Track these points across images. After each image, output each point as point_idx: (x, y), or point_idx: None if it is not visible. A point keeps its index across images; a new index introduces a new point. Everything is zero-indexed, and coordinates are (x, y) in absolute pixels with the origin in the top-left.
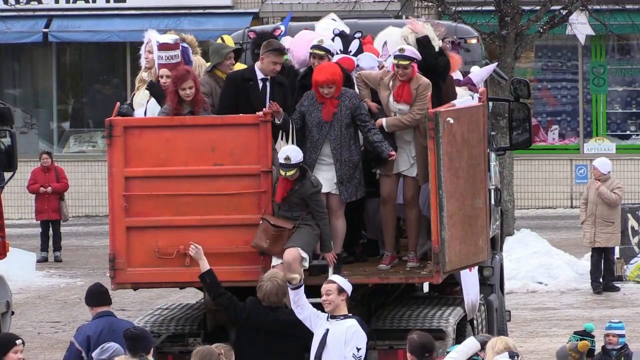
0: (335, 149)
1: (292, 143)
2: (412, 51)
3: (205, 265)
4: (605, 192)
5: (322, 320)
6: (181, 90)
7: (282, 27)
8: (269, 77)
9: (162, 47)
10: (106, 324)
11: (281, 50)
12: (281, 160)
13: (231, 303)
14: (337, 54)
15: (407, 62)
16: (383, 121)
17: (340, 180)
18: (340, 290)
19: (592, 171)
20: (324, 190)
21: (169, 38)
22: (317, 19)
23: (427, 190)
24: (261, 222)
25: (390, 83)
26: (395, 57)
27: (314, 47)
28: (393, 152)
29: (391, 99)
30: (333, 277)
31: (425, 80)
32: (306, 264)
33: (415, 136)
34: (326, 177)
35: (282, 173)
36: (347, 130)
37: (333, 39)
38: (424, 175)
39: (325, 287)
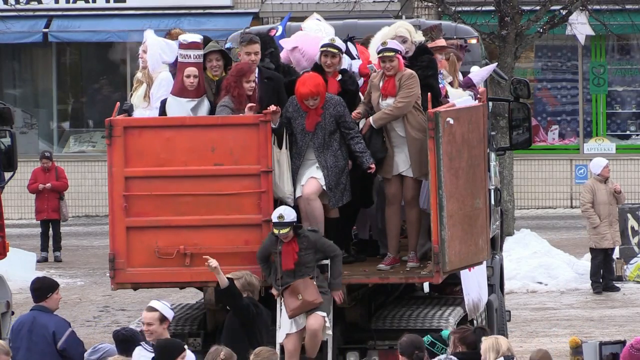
0: (320, 156)
1: (286, 149)
2: (395, 43)
3: (224, 279)
4: (622, 196)
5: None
6: (246, 83)
7: (280, 28)
8: (256, 75)
9: (192, 45)
10: (29, 319)
11: (251, 40)
12: (274, 219)
13: (252, 306)
14: (356, 58)
15: (392, 54)
16: (370, 119)
17: (328, 187)
18: (163, 319)
19: (598, 172)
20: (304, 180)
21: (197, 37)
22: None
23: (427, 187)
24: (280, 296)
25: (380, 83)
26: (380, 51)
27: (327, 45)
28: (373, 166)
29: (382, 100)
30: (154, 303)
31: (408, 71)
32: (329, 332)
33: (406, 130)
34: (309, 172)
35: (276, 231)
36: (332, 137)
37: (346, 43)
38: (418, 168)
39: (147, 317)
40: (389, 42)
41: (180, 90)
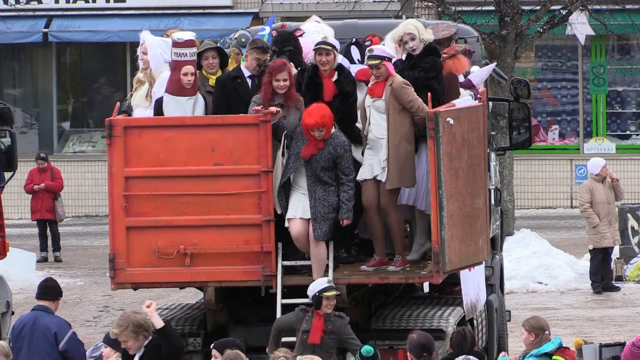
0: (310, 185)
1: (282, 155)
2: (382, 50)
3: (159, 320)
4: (620, 185)
5: None
6: (275, 82)
7: (267, 28)
8: (256, 74)
9: (188, 44)
10: (30, 319)
11: (264, 48)
12: (324, 284)
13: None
14: (357, 62)
15: (377, 62)
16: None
17: (314, 217)
18: None
19: (596, 172)
20: (302, 215)
21: (191, 35)
22: None
23: (424, 188)
24: None
25: (369, 84)
26: (367, 58)
27: (320, 43)
28: (347, 221)
29: (367, 97)
30: None
31: (399, 78)
32: None
33: (389, 137)
34: (300, 205)
35: (329, 293)
36: (325, 173)
37: (349, 48)
38: (398, 178)
39: None
40: (375, 49)
41: (178, 89)
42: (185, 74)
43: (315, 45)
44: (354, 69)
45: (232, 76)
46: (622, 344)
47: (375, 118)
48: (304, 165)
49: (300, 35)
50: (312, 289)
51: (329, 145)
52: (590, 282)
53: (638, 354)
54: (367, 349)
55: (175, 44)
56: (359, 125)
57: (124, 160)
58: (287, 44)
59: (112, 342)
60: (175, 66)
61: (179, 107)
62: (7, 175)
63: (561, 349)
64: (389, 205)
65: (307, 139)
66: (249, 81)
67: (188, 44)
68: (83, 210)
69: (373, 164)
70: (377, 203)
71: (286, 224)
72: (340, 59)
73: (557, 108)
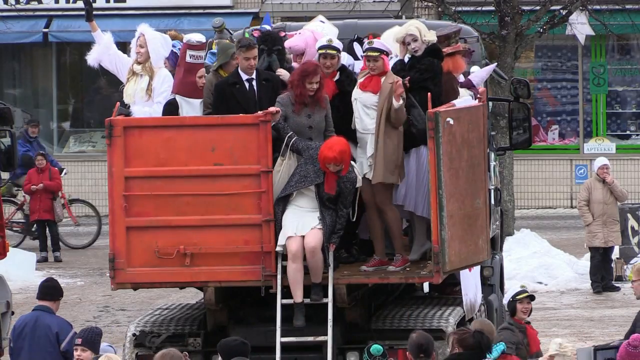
0: (322, 211)
1: (285, 158)
2: (382, 44)
3: None
4: (618, 185)
5: None
6: (308, 84)
7: (268, 27)
8: (254, 77)
9: (203, 46)
10: (32, 319)
11: (249, 45)
12: (518, 289)
13: None
14: (360, 59)
15: (376, 54)
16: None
17: (324, 245)
18: None
19: (596, 171)
20: (302, 232)
21: (203, 37)
22: None
23: (423, 189)
24: None
25: (362, 79)
26: (365, 50)
27: (324, 47)
28: (333, 245)
29: (357, 89)
30: None
31: (398, 79)
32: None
33: (378, 131)
34: (301, 223)
35: (520, 297)
36: (330, 201)
37: (352, 45)
38: (381, 174)
39: None
40: (375, 42)
41: (192, 91)
42: (200, 77)
43: (320, 47)
44: (357, 66)
45: (230, 82)
46: (617, 347)
47: (360, 112)
48: (310, 189)
49: (284, 37)
50: (506, 297)
51: (339, 180)
52: (590, 282)
53: (634, 353)
54: (376, 348)
55: (192, 47)
56: None
57: (124, 160)
58: (276, 43)
59: (90, 344)
60: (191, 68)
61: (192, 109)
62: (7, 175)
63: (503, 356)
64: (384, 203)
65: (317, 165)
66: (247, 84)
67: (203, 46)
68: (83, 210)
69: (363, 163)
70: (374, 201)
71: (280, 242)
72: (346, 58)
73: (557, 108)
